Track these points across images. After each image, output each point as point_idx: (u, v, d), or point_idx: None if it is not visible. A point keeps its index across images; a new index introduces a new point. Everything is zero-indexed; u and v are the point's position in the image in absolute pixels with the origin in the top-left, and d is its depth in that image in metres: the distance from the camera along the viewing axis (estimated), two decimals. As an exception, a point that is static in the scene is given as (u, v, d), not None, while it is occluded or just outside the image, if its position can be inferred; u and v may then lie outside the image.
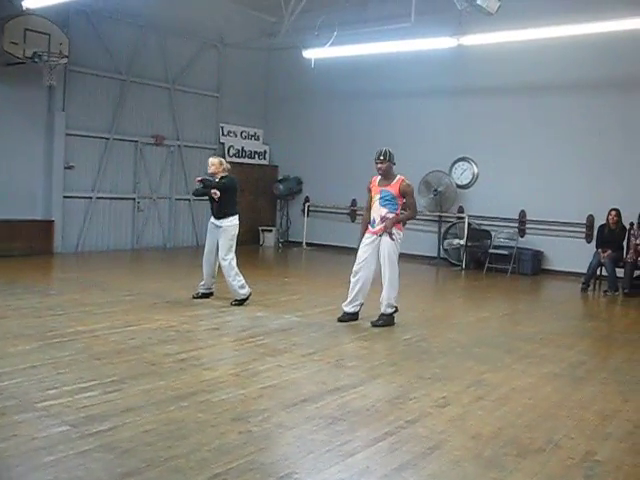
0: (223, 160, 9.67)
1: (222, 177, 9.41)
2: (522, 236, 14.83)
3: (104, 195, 15.13)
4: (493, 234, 14.89)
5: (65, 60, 12.90)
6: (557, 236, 14.39)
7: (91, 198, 14.88)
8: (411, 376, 6.16)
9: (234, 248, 9.26)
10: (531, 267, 14.32)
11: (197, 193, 9.79)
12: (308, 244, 17.73)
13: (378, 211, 8.30)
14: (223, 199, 9.23)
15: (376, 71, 16.39)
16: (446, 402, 5.45)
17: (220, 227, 9.26)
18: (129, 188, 15.67)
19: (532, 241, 14.71)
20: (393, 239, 8.21)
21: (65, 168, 14.31)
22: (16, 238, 13.40)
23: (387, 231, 8.16)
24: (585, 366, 6.89)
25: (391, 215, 8.22)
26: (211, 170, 9.45)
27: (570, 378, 6.37)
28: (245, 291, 9.24)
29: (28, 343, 6.71)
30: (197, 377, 5.83)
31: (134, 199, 15.75)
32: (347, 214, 17.54)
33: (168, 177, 16.48)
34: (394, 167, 8.50)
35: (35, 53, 12.31)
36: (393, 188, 8.27)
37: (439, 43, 11.98)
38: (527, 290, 12.85)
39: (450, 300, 11.45)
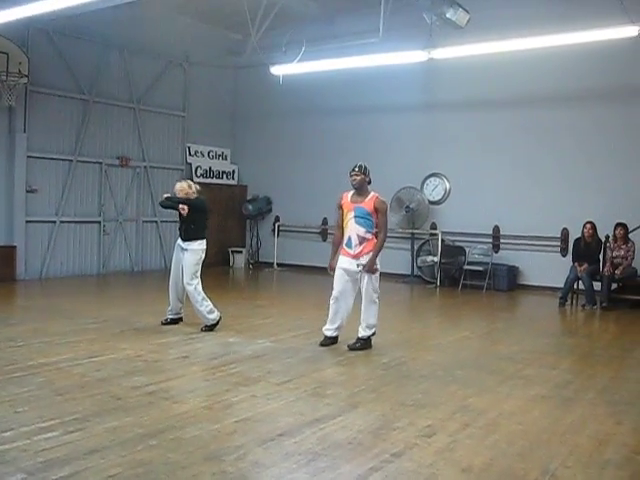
0: (191, 183, 9.27)
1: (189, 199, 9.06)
2: (497, 252, 14.63)
3: (68, 219, 14.68)
4: (467, 250, 14.68)
5: (25, 80, 12.50)
6: (532, 251, 14.21)
7: (55, 222, 14.41)
8: (393, 403, 5.85)
9: (199, 273, 8.90)
10: (507, 283, 14.11)
11: (164, 204, 9.22)
12: (279, 264, 17.39)
13: (354, 230, 7.98)
14: (191, 220, 8.89)
15: (345, 87, 16.18)
16: (432, 431, 5.14)
17: (186, 250, 8.90)
18: (94, 211, 15.23)
19: (507, 256, 14.51)
20: (374, 272, 7.95)
21: (27, 191, 13.84)
22: (-24, 265, 12.92)
23: (370, 270, 7.86)
24: (572, 386, 6.63)
25: (369, 235, 7.93)
26: (180, 195, 9.05)
27: (558, 400, 6.11)
28: (214, 316, 8.87)
29: (-16, 379, 6.30)
30: (166, 411, 5.47)
31: (100, 222, 15.30)
32: (318, 233, 17.24)
33: (134, 199, 16.06)
34: (368, 185, 8.19)
35: (-7, 73, 11.91)
36: (367, 205, 7.97)
37: (409, 57, 11.80)
38: (504, 307, 12.63)
39: (427, 319, 11.17)
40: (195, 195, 9.09)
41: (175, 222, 16.48)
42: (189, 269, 8.79)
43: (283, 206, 17.79)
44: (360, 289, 8.04)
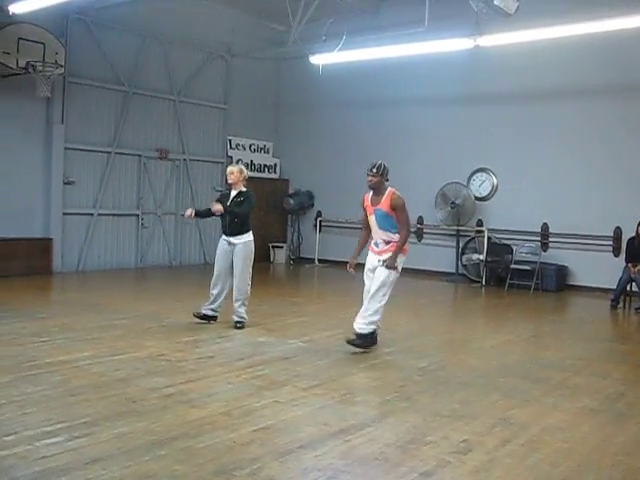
0: (243, 168, 8.86)
1: (240, 193, 8.65)
2: (545, 250, 14.02)
3: (106, 211, 14.49)
4: (514, 248, 14.08)
5: (61, 70, 12.29)
6: (582, 250, 13.58)
7: (92, 215, 14.23)
8: (427, 413, 5.39)
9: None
10: (555, 283, 13.50)
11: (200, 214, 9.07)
12: (320, 260, 16.99)
13: (379, 234, 7.62)
14: (235, 213, 8.55)
15: (389, 78, 15.71)
16: (467, 447, 4.67)
17: (235, 245, 8.56)
18: (132, 204, 15.01)
19: (556, 255, 13.88)
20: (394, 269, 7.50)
21: (64, 183, 13.69)
22: (13, 257, 12.76)
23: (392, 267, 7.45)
24: (625, 399, 6.08)
25: (394, 235, 7.52)
26: (231, 180, 8.67)
27: (609, 414, 5.58)
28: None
29: (0, 376, 6.01)
30: (182, 417, 5.10)
31: (138, 215, 15.09)
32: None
33: (173, 192, 15.81)
34: (386, 183, 7.84)
35: (29, 63, 11.70)
36: (384, 205, 7.54)
37: (455, 45, 11.28)
38: (552, 309, 12.05)
39: (470, 321, 10.62)
40: (244, 186, 8.71)
41: (215, 216, 16.50)
42: (243, 263, 8.50)
43: (325, 201, 17.38)
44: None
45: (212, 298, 8.64)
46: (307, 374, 6.49)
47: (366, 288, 7.71)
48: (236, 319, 8.56)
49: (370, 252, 7.75)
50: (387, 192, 7.63)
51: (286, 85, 18.11)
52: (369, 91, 16.27)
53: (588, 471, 4.34)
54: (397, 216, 7.54)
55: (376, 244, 7.67)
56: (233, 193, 8.71)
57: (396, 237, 7.50)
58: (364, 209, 7.85)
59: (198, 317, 8.70)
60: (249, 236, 8.65)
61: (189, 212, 8.76)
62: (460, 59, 13.26)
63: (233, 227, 8.58)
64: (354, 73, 15.36)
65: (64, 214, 13.71)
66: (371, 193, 7.79)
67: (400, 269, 7.60)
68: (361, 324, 7.49)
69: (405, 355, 7.51)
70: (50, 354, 6.88)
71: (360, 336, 7.47)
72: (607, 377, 6.85)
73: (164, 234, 15.57)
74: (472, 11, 11.61)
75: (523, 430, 5.07)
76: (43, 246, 13.37)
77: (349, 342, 7.44)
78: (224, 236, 8.70)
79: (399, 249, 7.50)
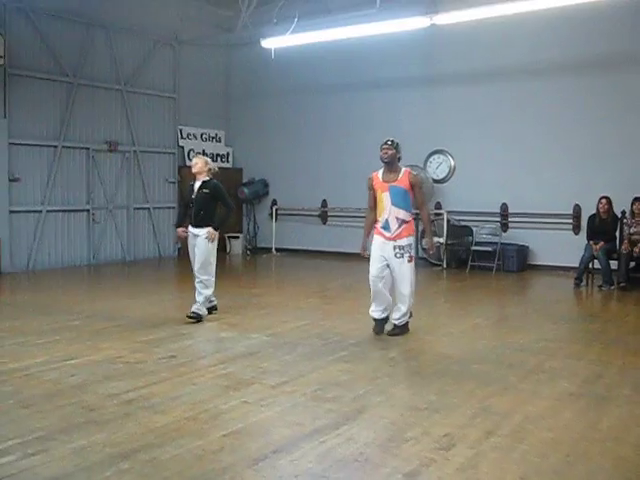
0: (209, 160, 8.68)
1: (204, 183, 8.44)
2: (505, 231, 13.91)
3: (55, 208, 13.94)
4: (474, 230, 13.96)
5: (0, 61, 11.72)
6: (543, 229, 13.49)
7: (41, 212, 13.68)
8: (404, 407, 5.15)
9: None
10: (517, 263, 13.40)
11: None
12: (278, 249, 16.66)
13: (393, 213, 7.38)
14: (201, 205, 8.33)
15: (342, 63, 15.45)
16: (450, 442, 4.43)
17: (197, 236, 8.32)
18: (82, 199, 14.49)
19: (516, 235, 13.77)
20: (410, 260, 7.44)
21: (10, 180, 13.10)
22: (-42, 259, 12.22)
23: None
24: (603, 380, 5.92)
25: (408, 216, 7.40)
26: (195, 170, 8.47)
27: (590, 398, 5.40)
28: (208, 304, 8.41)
29: (-56, 389, 5.61)
30: (145, 425, 4.77)
31: (88, 210, 14.57)
32: (317, 216, 16.52)
33: (124, 185, 15.31)
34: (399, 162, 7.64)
35: (-35, 54, 11.16)
36: (402, 182, 7.40)
37: (410, 24, 11.02)
38: (516, 290, 11.93)
39: (435, 306, 10.41)
40: (208, 176, 8.48)
41: (168, 208, 16.03)
42: (204, 255, 8.28)
43: (281, 189, 17.05)
44: (392, 273, 7.47)
45: None
46: (274, 370, 6.20)
47: (374, 272, 7.50)
48: (190, 311, 8.26)
49: (379, 237, 7.51)
50: (403, 171, 7.48)
51: (237, 72, 17.71)
52: (322, 76, 15.96)
53: (578, 461, 4.13)
54: (416, 195, 7.47)
55: (386, 227, 7.42)
56: (197, 184, 8.48)
57: (408, 218, 7.37)
58: (373, 188, 7.58)
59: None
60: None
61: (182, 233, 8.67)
62: (416, 39, 13.10)
63: (199, 219, 8.36)
64: (306, 58, 15.07)
65: (11, 212, 13.13)
66: (381, 171, 7.56)
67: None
68: (401, 314, 7.56)
69: (372, 345, 7.26)
70: (-1, 362, 6.48)
71: (401, 327, 7.60)
72: (581, 359, 6.70)
73: (116, 229, 15.08)
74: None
75: (505, 420, 4.85)
76: (-10, 246, 12.84)
77: (391, 334, 7.54)
78: (190, 227, 8.46)
79: (430, 229, 7.80)
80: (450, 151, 14.63)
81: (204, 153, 16.84)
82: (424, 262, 14.39)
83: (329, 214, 16.32)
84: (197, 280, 8.37)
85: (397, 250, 7.35)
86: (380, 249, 7.43)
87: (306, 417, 4.94)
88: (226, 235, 17.03)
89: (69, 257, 14.27)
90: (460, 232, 14.08)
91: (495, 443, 4.42)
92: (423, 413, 5.01)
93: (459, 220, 14.31)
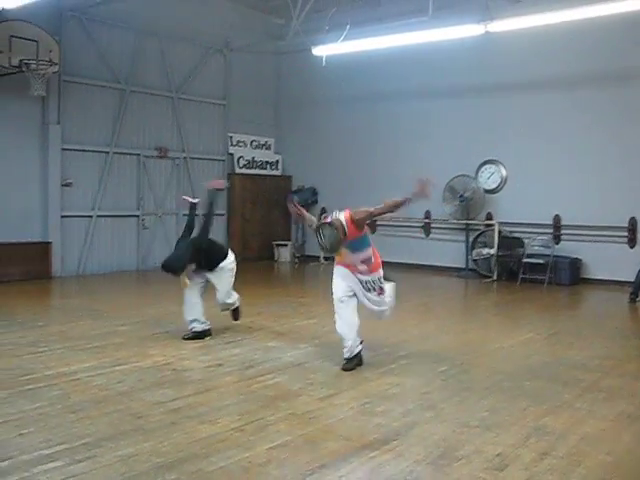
0: None
1: None
2: (557, 243, 13.60)
3: (105, 213, 14.08)
4: (526, 242, 13.68)
5: (55, 68, 11.87)
6: (596, 242, 13.15)
7: (91, 217, 13.84)
8: (455, 423, 5.01)
9: None
10: (569, 276, 13.09)
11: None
12: (326, 258, 16.57)
13: (357, 259, 6.67)
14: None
15: (393, 70, 15.32)
16: (503, 462, 4.29)
17: None
18: (132, 205, 14.62)
19: (569, 248, 13.46)
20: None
21: (62, 185, 13.28)
22: (11, 262, 12.37)
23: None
24: (663, 401, 5.71)
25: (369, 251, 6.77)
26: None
27: (650, 420, 5.21)
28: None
29: (-5, 392, 5.64)
30: (191, 434, 4.71)
31: (138, 216, 14.69)
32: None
33: (174, 191, 15.39)
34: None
35: (22, 61, 11.30)
36: (350, 231, 6.50)
37: (463, 31, 10.85)
38: (568, 303, 11.68)
39: (485, 319, 10.23)
40: None
41: (217, 215, 16.10)
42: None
43: (330, 197, 16.93)
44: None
45: None
46: (322, 382, 6.11)
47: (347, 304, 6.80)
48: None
49: (347, 270, 6.75)
50: (343, 217, 6.56)
51: (287, 79, 17.72)
52: (373, 84, 15.86)
53: (639, 488, 3.97)
54: (360, 218, 6.63)
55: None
56: None
57: (370, 251, 6.74)
58: None
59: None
60: None
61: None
62: (468, 47, 12.89)
63: None
64: (357, 66, 15.00)
65: (62, 217, 13.31)
66: None
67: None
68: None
69: (423, 358, 7.12)
70: (48, 366, 6.50)
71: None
72: (639, 378, 6.46)
73: (165, 235, 15.15)
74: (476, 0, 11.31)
75: (560, 440, 4.69)
76: (42, 250, 12.98)
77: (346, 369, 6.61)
78: None
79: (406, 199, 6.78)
80: (502, 161, 14.39)
81: (253, 160, 16.96)
82: (474, 274, 14.20)
83: (378, 223, 16.17)
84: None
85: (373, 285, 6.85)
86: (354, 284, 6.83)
87: (355, 431, 4.83)
88: (274, 243, 17.03)
89: (118, 262, 14.38)
90: (511, 243, 13.83)
91: (551, 465, 4.26)
92: (475, 430, 4.87)
93: (510, 231, 14.06)
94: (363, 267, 6.68)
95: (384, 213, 6.97)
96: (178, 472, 4.07)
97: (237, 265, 8.17)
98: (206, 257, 7.80)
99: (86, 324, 8.57)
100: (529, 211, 13.79)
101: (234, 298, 8.18)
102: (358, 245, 6.64)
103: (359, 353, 6.73)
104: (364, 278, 6.72)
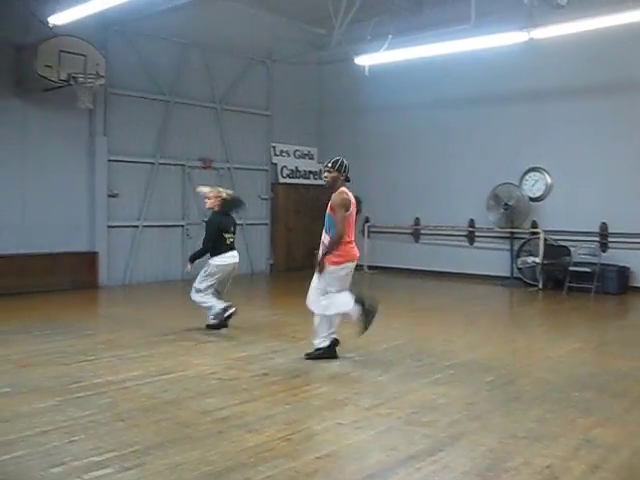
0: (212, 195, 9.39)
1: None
2: (604, 251, 13.41)
3: (151, 223, 14.29)
4: (572, 250, 13.51)
5: (102, 81, 12.10)
6: (645, 250, 12.96)
7: (137, 227, 14.05)
8: (502, 434, 4.96)
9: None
10: (617, 285, 12.89)
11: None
12: (370, 267, 16.56)
13: (323, 239, 7.26)
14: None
15: (436, 79, 15.28)
16: (553, 475, 4.23)
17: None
18: (177, 214, 14.79)
19: (616, 256, 13.26)
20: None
21: (109, 196, 13.52)
22: (58, 272, 12.63)
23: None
24: None
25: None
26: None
27: (703, 432, 5.09)
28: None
29: (45, 399, 5.74)
30: (238, 443, 4.74)
31: (183, 226, 14.85)
32: (410, 234, 16.36)
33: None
34: (347, 183, 7.39)
35: (70, 75, 11.54)
36: (328, 207, 7.13)
37: (507, 39, 10.76)
38: (617, 313, 11.50)
39: (531, 328, 10.12)
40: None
41: (261, 225, 16.24)
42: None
43: (373, 206, 16.95)
44: None
45: None
46: (368, 391, 6.10)
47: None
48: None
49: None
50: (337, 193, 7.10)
51: (329, 89, 17.78)
52: (415, 93, 15.84)
53: (694, 502, 3.88)
54: (334, 216, 7.08)
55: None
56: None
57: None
58: None
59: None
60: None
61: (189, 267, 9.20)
62: (511, 55, 12.78)
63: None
64: (400, 75, 15.01)
65: (109, 227, 13.54)
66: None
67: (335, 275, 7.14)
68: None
69: (468, 368, 7.06)
70: (97, 374, 6.60)
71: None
72: (692, 389, 6.34)
73: (210, 244, 15.26)
74: (518, 6, 11.20)
75: (611, 453, 4.61)
76: (89, 260, 13.21)
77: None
78: (233, 252, 9.09)
79: (325, 251, 7.14)
80: (547, 168, 14.24)
81: (296, 170, 17.04)
82: (519, 282, 14.06)
83: (422, 232, 16.13)
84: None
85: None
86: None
87: (401, 441, 4.82)
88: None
89: (164, 271, 14.55)
90: (557, 252, 13.67)
91: (602, 479, 4.19)
92: (523, 442, 4.82)
93: (556, 239, 13.90)
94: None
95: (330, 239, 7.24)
96: (226, 481, 4.09)
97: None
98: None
99: (133, 333, 8.68)
100: (575, 219, 13.63)
101: (201, 299, 8.74)
102: (328, 227, 7.24)
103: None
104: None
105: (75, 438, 4.82)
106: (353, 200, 7.23)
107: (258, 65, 16.34)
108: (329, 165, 7.23)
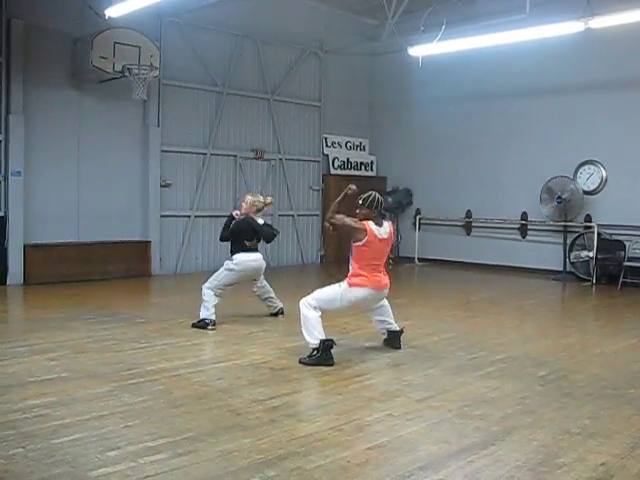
0: (254, 199, 9.35)
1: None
2: (661, 246, 13.15)
3: (203, 213, 14.43)
4: (627, 244, 13.25)
5: (156, 72, 12.22)
6: (703, 245, 12.66)
7: (189, 217, 14.21)
8: (555, 430, 4.90)
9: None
10: (673, 281, 12.64)
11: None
12: (420, 259, 16.48)
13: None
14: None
15: (490, 70, 15.09)
16: (608, 472, 4.17)
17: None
18: (229, 205, 14.85)
19: (673, 251, 12.99)
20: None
21: (162, 186, 13.69)
22: (112, 260, 12.83)
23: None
24: None
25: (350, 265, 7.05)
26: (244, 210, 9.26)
27: None
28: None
29: (100, 385, 5.85)
30: (290, 432, 4.77)
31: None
32: (461, 226, 16.24)
33: (270, 192, 15.54)
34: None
35: (125, 66, 11.67)
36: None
37: (563, 28, 10.58)
38: (673, 308, 11.25)
39: (585, 323, 9.99)
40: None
41: (312, 216, 16.25)
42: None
43: (424, 198, 16.87)
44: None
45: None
46: (419, 384, 6.08)
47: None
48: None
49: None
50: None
51: (381, 80, 17.70)
52: (467, 84, 15.68)
53: None
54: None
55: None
56: (261, 221, 9.31)
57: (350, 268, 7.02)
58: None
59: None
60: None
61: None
62: (567, 45, 12.54)
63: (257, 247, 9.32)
64: (453, 66, 14.88)
65: (162, 216, 13.71)
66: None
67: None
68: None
69: (521, 362, 6.99)
70: (150, 361, 6.70)
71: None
72: None
73: (261, 235, 15.36)
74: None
75: (669, 451, 4.53)
76: (142, 249, 13.40)
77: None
78: (254, 254, 9.22)
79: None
80: (602, 161, 13.98)
81: (347, 161, 17.02)
82: (572, 277, 13.86)
83: (473, 225, 15.99)
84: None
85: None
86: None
87: (453, 434, 4.79)
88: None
89: (215, 261, 14.58)
90: (612, 246, 13.42)
91: (659, 476, 4.12)
92: (577, 438, 4.75)
93: (611, 234, 13.65)
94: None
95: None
96: (278, 469, 4.12)
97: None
98: None
99: (185, 322, 8.76)
100: (631, 213, 13.36)
101: (205, 296, 8.67)
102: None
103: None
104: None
105: (130, 423, 4.91)
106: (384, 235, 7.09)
107: (310, 56, 16.34)
108: (360, 202, 7.20)
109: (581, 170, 14.28)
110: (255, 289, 9.28)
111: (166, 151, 13.70)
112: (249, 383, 6.00)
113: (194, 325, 8.48)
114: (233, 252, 8.90)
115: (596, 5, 10.69)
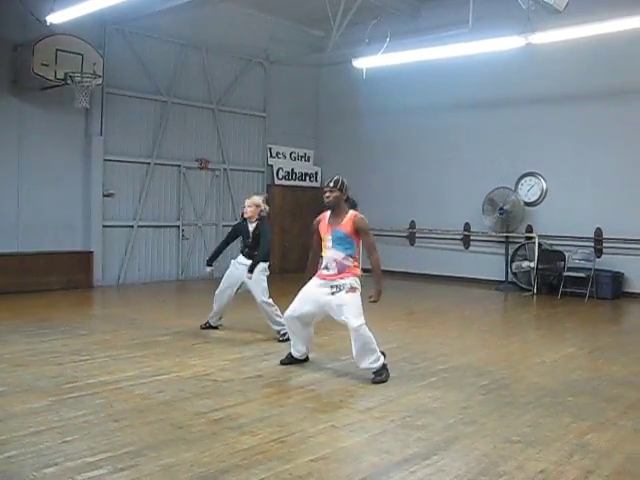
0: (261, 202, 8.70)
1: (257, 225, 8.63)
2: (599, 256, 13.43)
3: (146, 223, 14.28)
4: (567, 255, 13.53)
5: (99, 81, 12.08)
6: (639, 255, 12.98)
7: (132, 227, 14.03)
8: (496, 439, 4.96)
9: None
10: (611, 290, 12.93)
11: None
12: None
13: (332, 255, 6.77)
14: (258, 244, 8.54)
15: (433, 82, 15.30)
16: (546, 479, 4.23)
17: (244, 265, 8.66)
18: (173, 215, 14.78)
19: (611, 262, 13.29)
20: (355, 290, 6.74)
21: (104, 196, 13.50)
22: (53, 271, 12.60)
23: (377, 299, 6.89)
24: None
25: (349, 261, 6.77)
26: (247, 214, 8.67)
27: (697, 438, 5.10)
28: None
29: (39, 399, 5.72)
30: (232, 445, 4.73)
31: (178, 227, 14.84)
32: (405, 237, 16.37)
33: (214, 202, 15.55)
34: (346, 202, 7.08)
35: (67, 74, 11.53)
36: (345, 227, 6.79)
37: (504, 43, 10.76)
38: (611, 318, 11.51)
39: (525, 332, 10.16)
40: (257, 218, 8.64)
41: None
42: (261, 285, 8.47)
43: (369, 208, 16.68)
44: (331, 312, 6.82)
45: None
46: (363, 394, 6.10)
47: (305, 312, 6.90)
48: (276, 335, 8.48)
49: (317, 278, 6.90)
50: (349, 215, 6.91)
51: (326, 91, 17.80)
52: (412, 96, 15.85)
53: (687, 508, 3.89)
54: (364, 240, 6.94)
55: (326, 267, 6.84)
56: (251, 227, 8.66)
57: (349, 263, 6.77)
58: (316, 232, 7.04)
59: (205, 328, 9.04)
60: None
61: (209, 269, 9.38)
62: (508, 59, 12.76)
63: (251, 253, 8.63)
64: (396, 78, 15.02)
65: (104, 226, 13.52)
66: (329, 214, 6.98)
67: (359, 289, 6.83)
68: (371, 361, 6.62)
69: (463, 372, 7.07)
70: (91, 374, 6.58)
71: (379, 371, 6.63)
72: (685, 395, 6.35)
73: (205, 245, 15.28)
74: (516, 11, 11.19)
75: (605, 459, 4.61)
76: (84, 259, 13.19)
77: (376, 382, 6.52)
78: (241, 258, 8.81)
79: (379, 277, 6.95)
80: (542, 173, 14.27)
81: (292, 172, 17.03)
82: (513, 287, 14.09)
83: (417, 235, 16.15)
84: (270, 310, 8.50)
85: (334, 289, 6.72)
86: (313, 290, 6.86)
87: (395, 445, 4.81)
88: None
89: (158, 272, 14.54)
90: (552, 257, 13.68)
91: (596, 483, 4.20)
92: (516, 446, 4.82)
93: (551, 244, 13.93)
94: (335, 271, 6.77)
95: (374, 261, 7.02)
96: (219, 483, 4.08)
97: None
98: None
99: (127, 333, 8.66)
100: (570, 224, 13.65)
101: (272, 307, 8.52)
102: (340, 243, 6.81)
103: None
104: (334, 283, 6.74)
105: (68, 438, 4.81)
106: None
107: (255, 66, 16.33)
108: (331, 184, 6.95)
109: (522, 182, 14.55)
110: (235, 295, 8.97)
111: (109, 160, 13.53)
112: (192, 395, 5.93)
113: (279, 340, 8.27)
114: (265, 259, 8.56)
115: (536, 21, 10.91)
